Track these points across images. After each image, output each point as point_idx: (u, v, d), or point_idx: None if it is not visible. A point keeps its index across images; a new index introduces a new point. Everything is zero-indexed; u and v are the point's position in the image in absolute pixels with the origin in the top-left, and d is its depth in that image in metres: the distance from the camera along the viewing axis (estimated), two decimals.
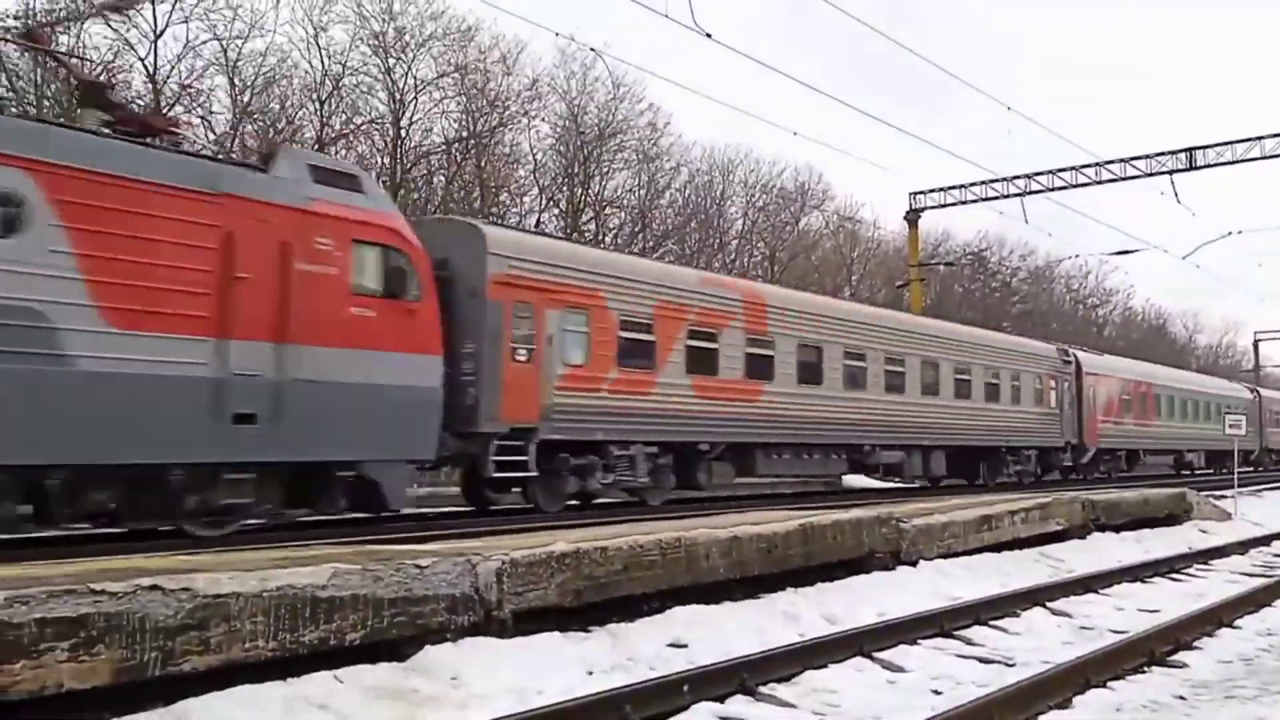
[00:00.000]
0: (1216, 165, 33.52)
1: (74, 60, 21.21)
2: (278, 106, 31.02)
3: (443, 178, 34.69)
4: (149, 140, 11.46)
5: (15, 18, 25.14)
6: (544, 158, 37.58)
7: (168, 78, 28.28)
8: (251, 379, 10.72)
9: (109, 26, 26.81)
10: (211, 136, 29.27)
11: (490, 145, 35.27)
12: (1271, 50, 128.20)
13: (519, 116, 36.00)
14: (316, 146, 31.08)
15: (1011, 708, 5.70)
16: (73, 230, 9.57)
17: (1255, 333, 75.80)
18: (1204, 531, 16.72)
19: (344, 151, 32.42)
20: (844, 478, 26.50)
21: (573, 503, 16.25)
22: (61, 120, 17.60)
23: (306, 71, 31.49)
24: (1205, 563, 13.12)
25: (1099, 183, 35.21)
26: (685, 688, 5.82)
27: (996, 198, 37.01)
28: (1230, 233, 38.63)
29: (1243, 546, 14.77)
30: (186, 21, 28.13)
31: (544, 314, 14.93)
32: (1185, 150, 33.79)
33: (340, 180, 12.04)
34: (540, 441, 14.70)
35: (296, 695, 5.34)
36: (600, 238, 37.36)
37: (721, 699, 5.92)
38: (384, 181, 32.09)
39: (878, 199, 74.30)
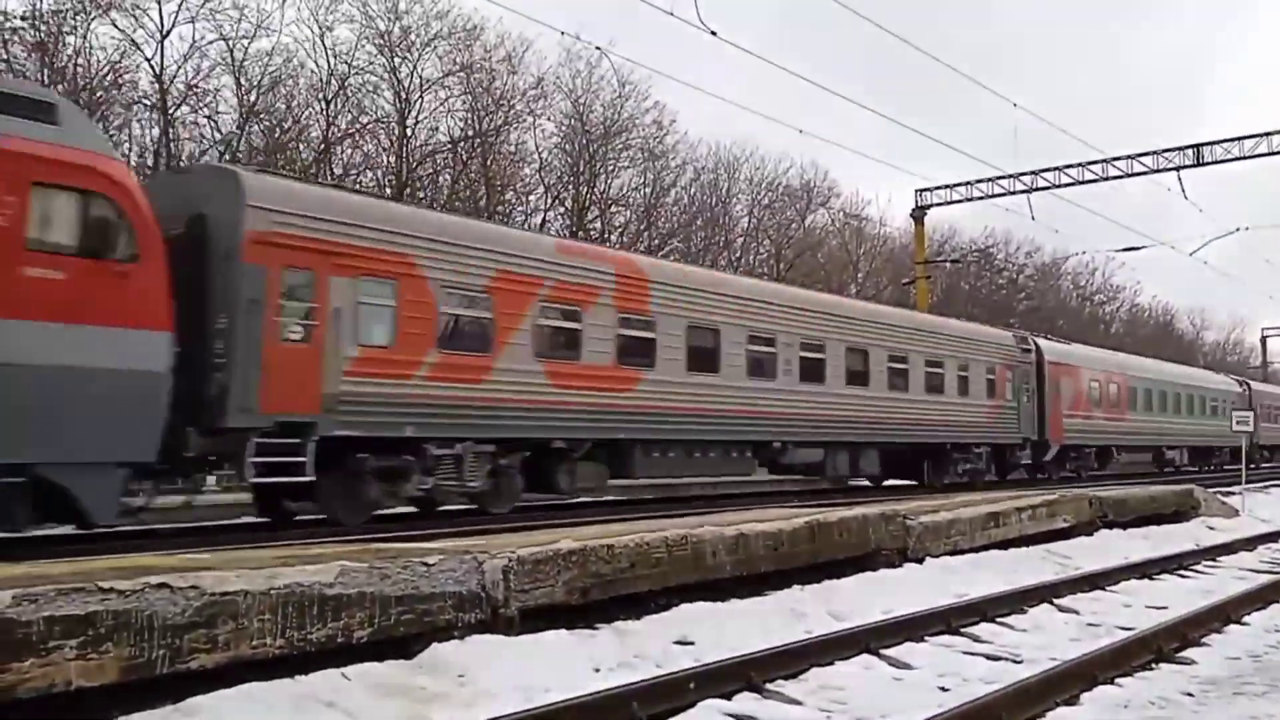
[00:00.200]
0: (1224, 161, 33.47)
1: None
2: (284, 106, 31.09)
3: (448, 176, 34.73)
4: None
5: (22, 18, 25.24)
6: (549, 156, 37.62)
7: (174, 77, 28.35)
8: None
9: (115, 26, 26.89)
10: (218, 136, 29.38)
11: (496, 144, 35.30)
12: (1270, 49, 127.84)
13: (524, 115, 36.06)
14: (323, 145, 31.16)
15: (1019, 705, 5.69)
16: None
17: (1263, 329, 75.66)
18: (1211, 528, 16.68)
19: (350, 150, 32.52)
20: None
21: (419, 509, 14.46)
22: None
23: (312, 71, 31.57)
24: (1213, 559, 13.08)
25: (1106, 179, 35.18)
26: (692, 685, 5.81)
27: (1003, 194, 36.99)
28: (1238, 229, 38.57)
29: (1251, 543, 14.74)
30: (193, 21, 28.23)
31: (327, 282, 12.25)
32: (1193, 146, 33.71)
33: (17, 107, 9.45)
34: (328, 439, 12.12)
35: (304, 693, 5.35)
36: (606, 236, 37.37)
37: (728, 696, 5.91)
38: (390, 180, 32.22)
39: (883, 196, 74.14)
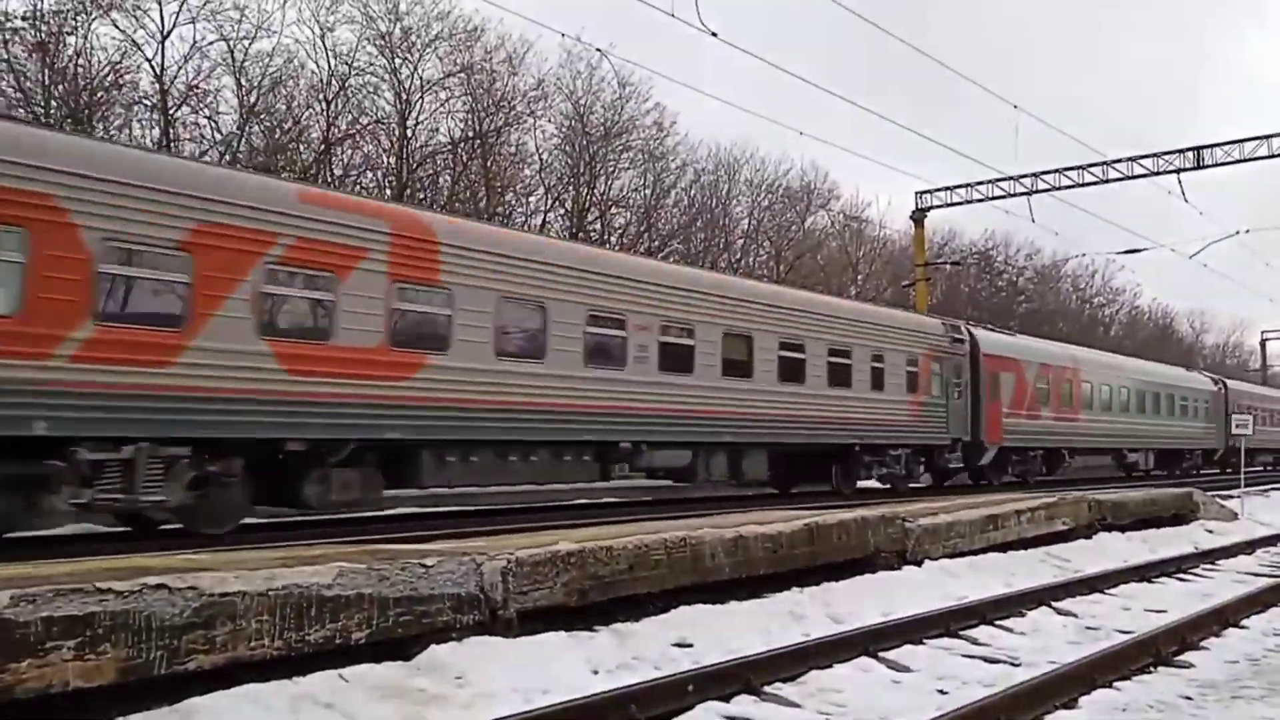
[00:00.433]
0: (1224, 164, 33.44)
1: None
2: (284, 107, 31.02)
3: (449, 177, 34.70)
4: None
5: (23, 18, 25.23)
6: (550, 157, 37.57)
7: (174, 78, 28.32)
8: None
9: (115, 26, 26.89)
10: (218, 136, 29.37)
11: (496, 145, 35.26)
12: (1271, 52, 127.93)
13: (525, 116, 35.98)
14: (323, 146, 31.15)
15: (1017, 708, 5.69)
16: None
17: (1263, 332, 75.62)
18: (1210, 531, 16.68)
19: (350, 151, 32.50)
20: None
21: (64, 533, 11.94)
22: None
23: (313, 72, 31.51)
24: (1212, 563, 13.09)
25: (1106, 181, 35.14)
26: (690, 687, 5.82)
27: (1003, 196, 36.96)
28: (1238, 232, 38.54)
29: (1250, 547, 14.74)
30: (194, 22, 28.15)
31: None
32: (1193, 149, 33.71)
33: None
34: None
35: (302, 694, 5.35)
36: (606, 237, 37.38)
37: (727, 698, 5.92)
38: (390, 181, 32.22)
39: (884, 198, 74.15)
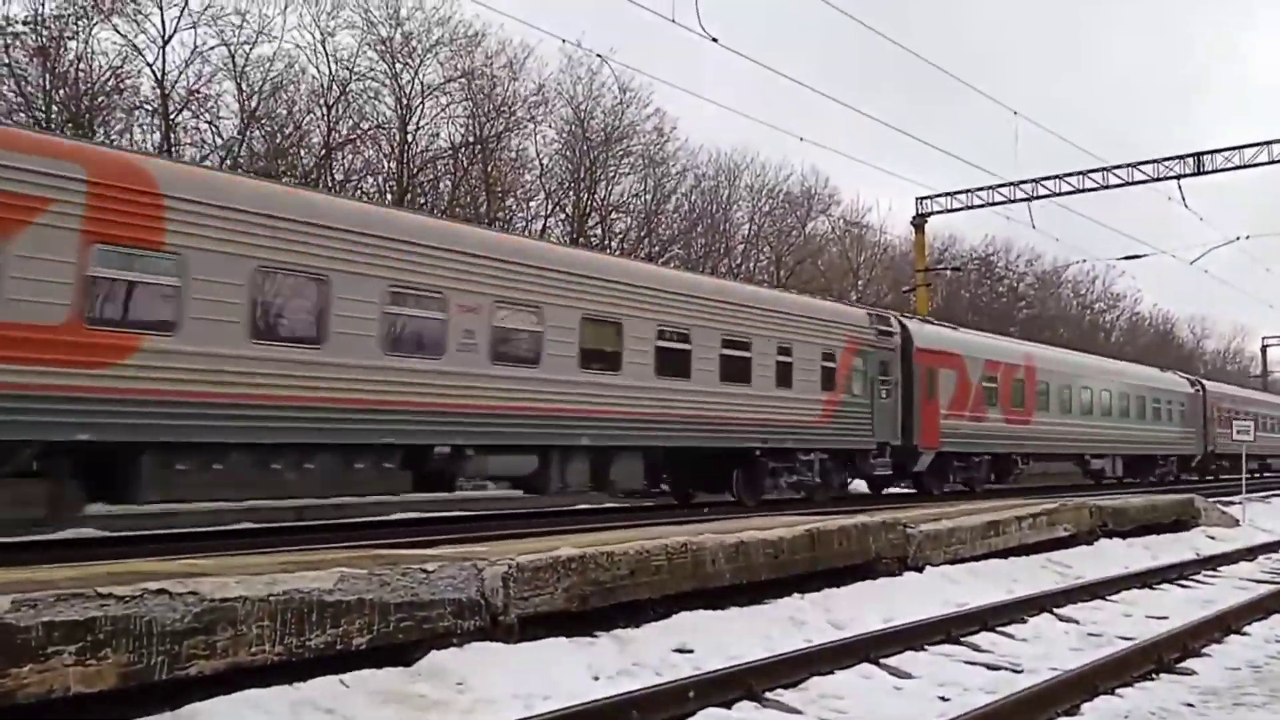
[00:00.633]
0: (1225, 170, 33.47)
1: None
2: (285, 112, 31.07)
3: (449, 182, 34.74)
4: None
5: (24, 23, 25.27)
6: (550, 163, 37.65)
7: (175, 83, 28.37)
8: None
9: (116, 31, 26.93)
10: (219, 141, 29.40)
11: (497, 150, 35.32)
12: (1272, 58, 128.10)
13: (525, 121, 36.07)
14: (324, 151, 31.18)
15: (1019, 714, 5.69)
16: None
17: (1263, 338, 75.79)
18: (1212, 538, 16.66)
19: (351, 156, 32.53)
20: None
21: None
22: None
23: (314, 77, 31.58)
24: (1213, 569, 13.07)
25: (1106, 187, 35.16)
26: (691, 693, 5.81)
27: (1003, 202, 36.97)
28: (1238, 238, 38.58)
29: (1251, 553, 14.73)
30: (195, 27, 28.23)
31: None
32: (1193, 155, 33.74)
33: None
34: None
35: (302, 699, 5.35)
36: (606, 242, 37.40)
37: (727, 705, 5.91)
38: (390, 186, 32.26)
39: (884, 204, 74.21)
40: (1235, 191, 44.53)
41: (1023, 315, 60.56)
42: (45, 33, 25.79)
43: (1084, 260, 56.90)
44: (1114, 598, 10.52)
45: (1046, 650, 7.87)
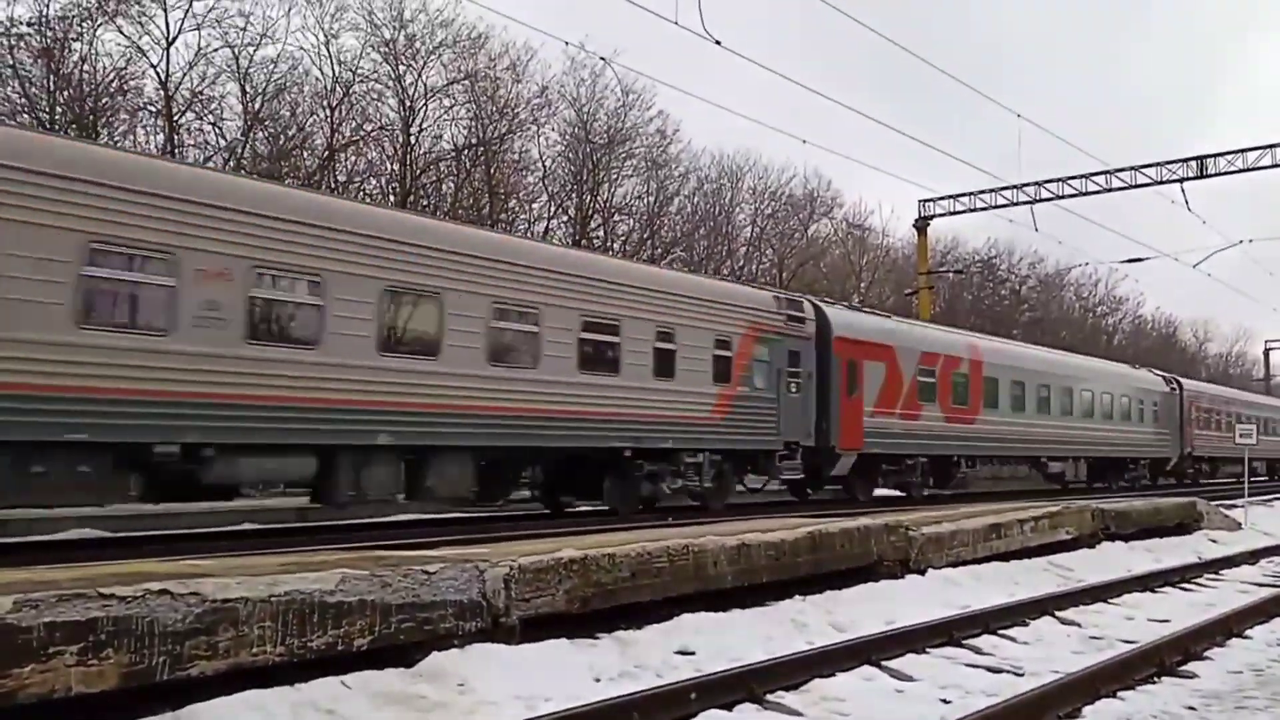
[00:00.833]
0: (1227, 173, 33.48)
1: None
2: (288, 113, 31.14)
3: (452, 184, 34.78)
4: None
5: (29, 24, 25.33)
6: (553, 164, 37.69)
7: (179, 84, 28.41)
8: None
9: (120, 33, 26.98)
10: (222, 143, 29.44)
11: (500, 152, 35.36)
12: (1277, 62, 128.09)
13: (528, 123, 36.12)
14: (327, 153, 31.23)
15: (1020, 717, 5.68)
16: None
17: (1266, 342, 75.82)
18: (1214, 541, 16.65)
19: (354, 158, 32.58)
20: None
21: None
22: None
23: (317, 78, 31.64)
24: (1215, 573, 13.07)
25: (1109, 190, 35.19)
26: (693, 695, 5.80)
27: (1006, 205, 37.02)
28: (1241, 241, 38.59)
29: (1253, 556, 14.73)
30: (199, 29, 28.28)
31: None
32: (1196, 159, 33.75)
33: None
34: None
35: (304, 700, 5.35)
36: (609, 244, 37.41)
37: (729, 707, 5.90)
38: (393, 188, 32.29)
39: (887, 206, 74.38)
40: (1238, 195, 44.43)
41: (1025, 318, 60.55)
42: (50, 34, 25.87)
43: (1087, 263, 56.84)
44: (1116, 601, 10.51)
45: (1048, 653, 7.86)
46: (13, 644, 4.54)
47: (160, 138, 27.99)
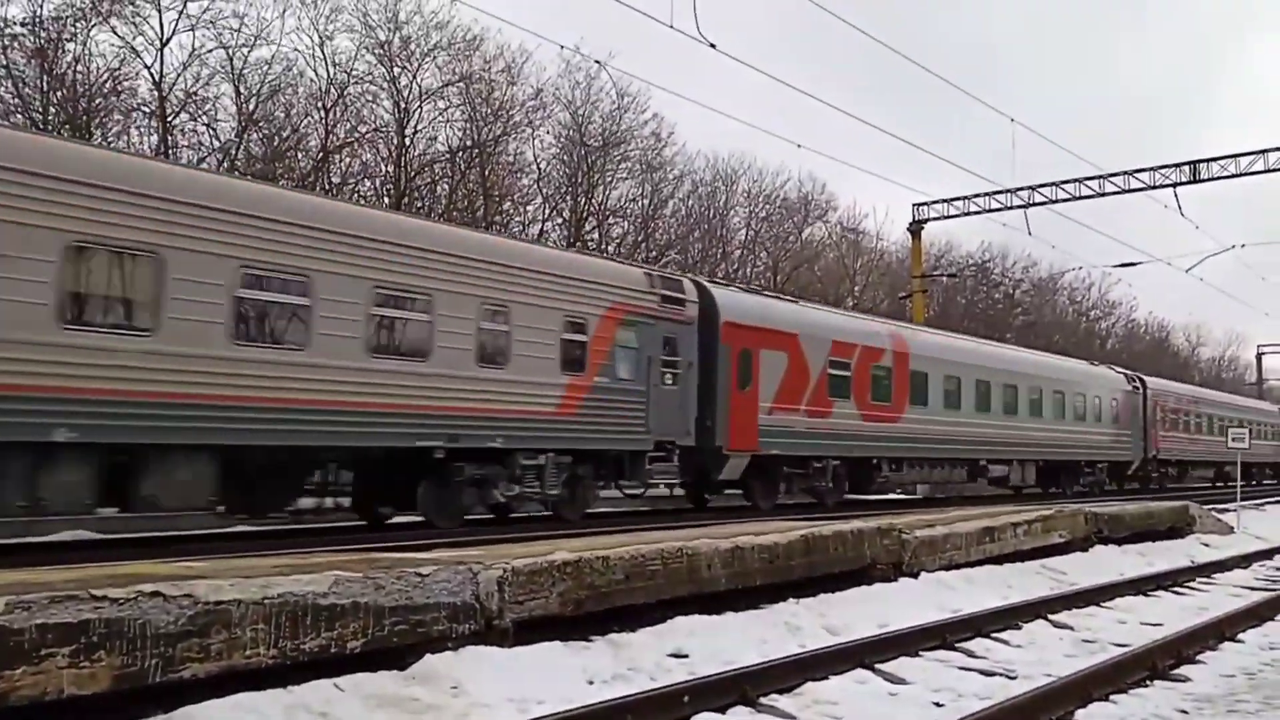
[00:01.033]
0: (1221, 179, 33.60)
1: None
2: (283, 115, 31.06)
3: (446, 186, 34.74)
4: None
5: (22, 24, 25.26)
6: (548, 167, 37.65)
7: (173, 85, 28.35)
8: None
9: (114, 33, 26.92)
10: (216, 144, 29.39)
11: (494, 154, 35.31)
12: (1275, 64, 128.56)
13: (523, 126, 36.09)
14: (321, 154, 31.19)
15: None
16: None
17: (1258, 346, 75.86)
18: (1206, 545, 16.73)
19: (349, 159, 32.54)
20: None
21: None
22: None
23: (312, 80, 31.56)
24: (1207, 576, 13.11)
25: (1102, 195, 35.30)
26: (686, 698, 5.81)
27: (1000, 209, 37.12)
28: (1234, 246, 38.69)
29: (1245, 560, 14.77)
30: (193, 30, 28.19)
31: None
32: (1190, 163, 33.85)
33: None
34: None
35: (296, 703, 5.34)
36: (603, 246, 37.42)
37: (722, 709, 5.91)
38: (388, 190, 32.26)
39: (881, 210, 74.44)
40: (1231, 200, 44.54)
41: (1019, 322, 60.66)
42: (43, 34, 25.78)
43: (1080, 267, 57.08)
44: (1109, 604, 10.54)
45: (1041, 656, 7.87)
46: (4, 646, 4.53)
47: (154, 138, 27.93)
